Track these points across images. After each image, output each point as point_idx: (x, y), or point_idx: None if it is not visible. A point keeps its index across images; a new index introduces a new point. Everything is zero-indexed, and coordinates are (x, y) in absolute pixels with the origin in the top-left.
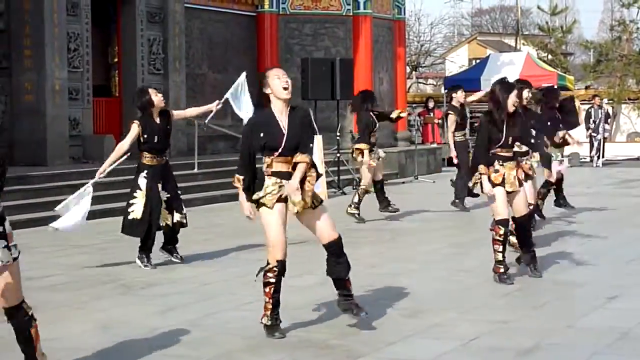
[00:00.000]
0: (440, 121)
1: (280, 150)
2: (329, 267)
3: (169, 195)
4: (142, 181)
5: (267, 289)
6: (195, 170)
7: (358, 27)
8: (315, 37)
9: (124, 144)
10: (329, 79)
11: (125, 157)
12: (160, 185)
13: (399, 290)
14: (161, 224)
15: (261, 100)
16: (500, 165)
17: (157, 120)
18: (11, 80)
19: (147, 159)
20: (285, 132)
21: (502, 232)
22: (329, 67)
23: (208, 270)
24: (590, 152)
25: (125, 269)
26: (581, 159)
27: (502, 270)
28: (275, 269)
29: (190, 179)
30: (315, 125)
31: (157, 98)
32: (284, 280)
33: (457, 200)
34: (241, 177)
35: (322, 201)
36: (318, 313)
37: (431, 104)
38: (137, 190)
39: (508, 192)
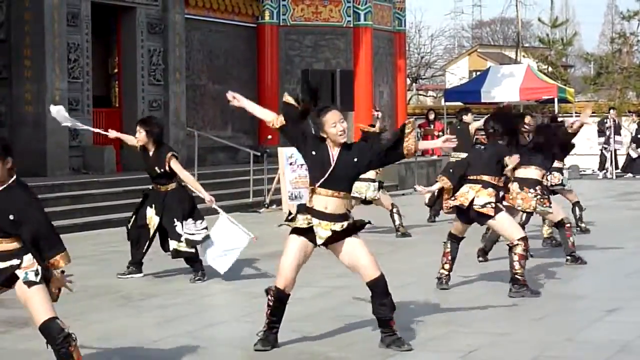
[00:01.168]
0: (440, 133)
1: (322, 181)
2: (373, 306)
3: (160, 223)
4: (141, 199)
5: (266, 309)
6: None
7: (358, 39)
8: (316, 49)
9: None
10: (329, 91)
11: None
12: (152, 210)
13: (397, 302)
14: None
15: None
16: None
17: (151, 153)
18: (11, 90)
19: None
20: (333, 163)
21: (527, 246)
22: (329, 79)
23: (207, 282)
24: (604, 165)
25: (124, 281)
26: (581, 171)
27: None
28: (272, 293)
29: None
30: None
31: (139, 136)
32: None
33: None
34: None
35: (361, 225)
36: (317, 325)
37: (432, 116)
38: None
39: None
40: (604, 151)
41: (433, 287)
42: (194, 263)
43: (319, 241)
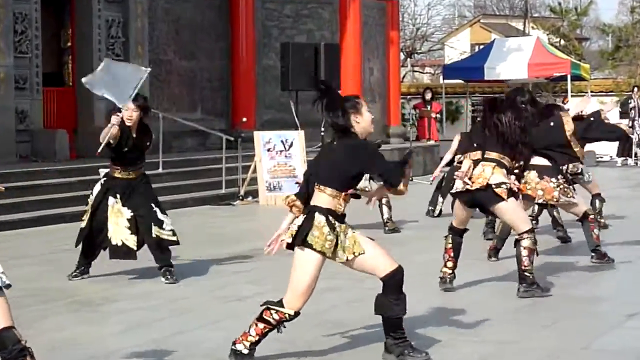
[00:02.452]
0: (438, 115)
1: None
2: (383, 303)
3: (133, 214)
4: (97, 187)
5: (261, 325)
6: (160, 170)
7: (345, 8)
8: (297, 20)
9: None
10: (313, 67)
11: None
12: (116, 201)
13: None
14: (115, 243)
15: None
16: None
17: (134, 133)
18: None
19: (112, 169)
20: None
21: (535, 239)
22: (312, 53)
23: (175, 284)
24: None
25: (81, 283)
26: (597, 157)
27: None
28: (287, 317)
29: (154, 180)
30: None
31: (134, 116)
32: (259, 296)
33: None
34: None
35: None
36: (301, 332)
37: (429, 96)
38: (90, 196)
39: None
40: (630, 135)
41: (432, 289)
42: (167, 264)
43: (341, 257)
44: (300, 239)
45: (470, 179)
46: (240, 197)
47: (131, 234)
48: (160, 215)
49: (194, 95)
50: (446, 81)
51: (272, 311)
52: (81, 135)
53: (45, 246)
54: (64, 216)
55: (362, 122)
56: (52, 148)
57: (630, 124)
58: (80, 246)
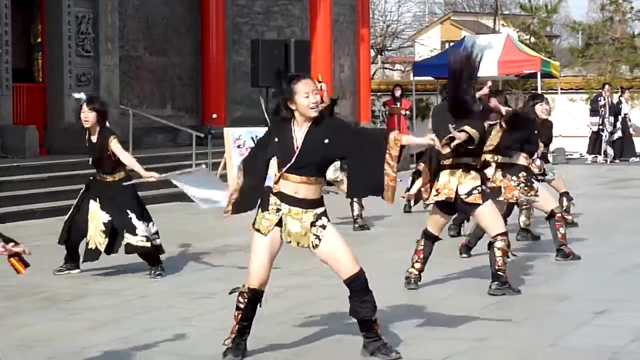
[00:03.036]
0: (408, 112)
1: (288, 167)
2: (351, 306)
3: (110, 218)
4: (81, 192)
5: (236, 313)
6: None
7: (316, 5)
8: (267, 16)
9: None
10: (283, 64)
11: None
12: (96, 204)
13: None
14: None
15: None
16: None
17: (94, 138)
18: None
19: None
20: (297, 147)
21: (509, 242)
22: (282, 50)
23: (144, 280)
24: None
25: (49, 279)
26: (567, 154)
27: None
28: (245, 295)
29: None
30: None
31: (89, 117)
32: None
33: None
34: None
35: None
36: (270, 329)
37: (398, 92)
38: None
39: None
40: (601, 133)
41: (400, 287)
42: (152, 258)
43: (285, 238)
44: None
45: (437, 190)
46: None
47: (105, 237)
48: (135, 221)
49: (164, 92)
50: (416, 78)
51: (236, 294)
52: (51, 131)
53: None
54: (34, 212)
55: (298, 108)
56: (22, 144)
57: (600, 122)
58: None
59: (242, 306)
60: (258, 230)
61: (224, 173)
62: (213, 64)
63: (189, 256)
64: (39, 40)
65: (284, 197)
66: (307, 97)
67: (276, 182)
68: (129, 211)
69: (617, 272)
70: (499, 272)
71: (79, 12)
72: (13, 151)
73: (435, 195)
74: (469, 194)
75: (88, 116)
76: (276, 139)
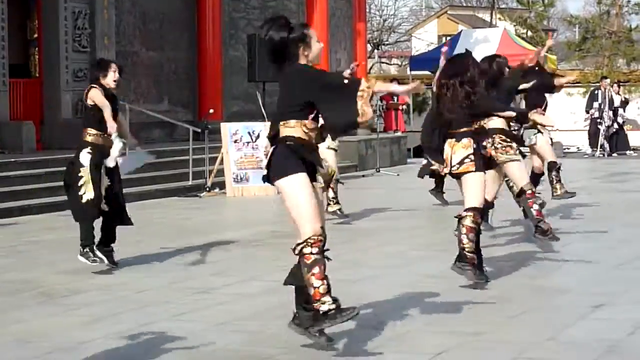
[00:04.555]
0: (404, 106)
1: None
2: (295, 274)
3: (109, 183)
4: (85, 157)
5: (315, 270)
6: None
7: (312, 0)
8: (263, 11)
9: (105, 106)
10: None
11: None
12: (103, 168)
13: (357, 298)
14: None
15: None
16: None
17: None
18: None
19: (93, 136)
20: None
21: (479, 220)
22: None
23: (141, 275)
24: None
25: (46, 275)
26: (565, 148)
27: (476, 261)
28: (321, 238)
29: None
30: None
31: (111, 77)
32: (226, 288)
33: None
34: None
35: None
36: (265, 324)
37: None
38: (81, 168)
39: None
40: (599, 127)
41: (395, 280)
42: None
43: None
44: (275, 173)
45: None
46: (207, 189)
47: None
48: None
49: (161, 87)
50: (413, 72)
51: (305, 248)
52: (48, 126)
53: (12, 238)
54: (31, 208)
55: (310, 55)
56: (19, 140)
57: (599, 115)
58: (89, 220)
59: (319, 256)
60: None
61: (221, 168)
62: (209, 59)
63: (185, 251)
64: (36, 35)
65: (307, 145)
66: (318, 42)
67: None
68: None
69: (615, 265)
70: (463, 252)
71: (75, 7)
72: (10, 147)
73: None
74: (461, 163)
75: (116, 77)
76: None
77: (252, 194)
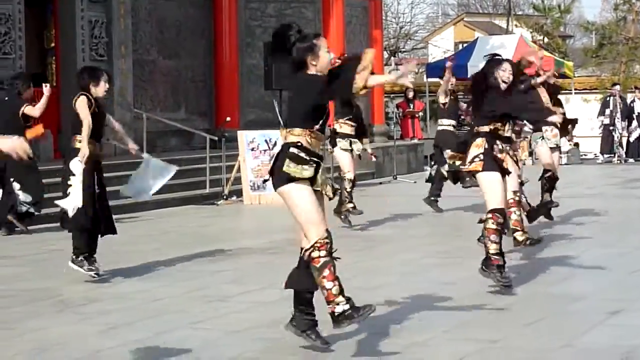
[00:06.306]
0: (421, 113)
1: (321, 123)
2: (297, 276)
3: (99, 191)
4: (76, 165)
5: (325, 272)
6: None
7: (328, 7)
8: (280, 19)
9: (86, 120)
10: None
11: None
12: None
13: (374, 304)
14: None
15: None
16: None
17: (101, 107)
18: None
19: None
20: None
21: (500, 220)
22: None
23: (158, 284)
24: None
25: (63, 283)
26: (582, 155)
27: (500, 262)
28: (327, 240)
29: None
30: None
31: (106, 87)
32: (243, 296)
33: (432, 199)
34: None
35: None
36: (282, 332)
37: (411, 94)
38: (71, 176)
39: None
40: (612, 133)
41: (411, 288)
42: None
43: (329, 193)
44: (278, 181)
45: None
46: (224, 197)
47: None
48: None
49: (178, 95)
50: (430, 79)
51: (313, 252)
52: (65, 135)
53: (28, 247)
54: (50, 217)
55: (319, 64)
56: (36, 148)
57: (609, 122)
58: (81, 228)
59: (327, 258)
60: (294, 180)
61: (238, 176)
62: (226, 67)
63: (202, 259)
64: (53, 44)
65: (309, 152)
66: (328, 52)
67: (306, 140)
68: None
69: (631, 272)
70: (488, 254)
71: (92, 16)
72: (29, 154)
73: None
74: (472, 161)
75: (104, 86)
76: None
77: (270, 202)
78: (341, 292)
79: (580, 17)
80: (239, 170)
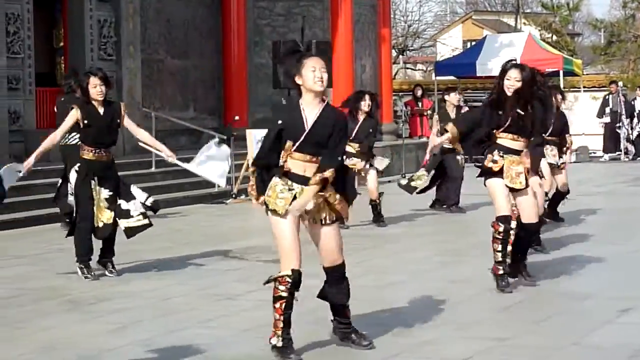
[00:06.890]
0: (430, 112)
1: (297, 145)
2: (329, 293)
3: (111, 193)
4: (72, 176)
5: (277, 304)
6: (153, 169)
7: (337, 6)
8: (288, 18)
9: (57, 134)
10: None
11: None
12: (94, 182)
13: (383, 304)
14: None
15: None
16: (500, 156)
17: (101, 111)
18: None
19: (84, 152)
20: (307, 126)
21: (501, 229)
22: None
23: (167, 282)
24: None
25: (72, 282)
26: (590, 153)
27: (500, 272)
28: (288, 279)
29: (147, 179)
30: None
31: (94, 90)
32: (251, 295)
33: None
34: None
35: (337, 219)
36: (294, 330)
37: (419, 92)
38: (68, 184)
39: (512, 190)
40: (618, 131)
41: (420, 286)
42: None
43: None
44: (266, 208)
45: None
46: (233, 196)
47: (110, 211)
48: (134, 191)
49: (187, 94)
50: (438, 78)
51: (275, 283)
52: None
53: (38, 246)
54: (58, 216)
55: (304, 82)
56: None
57: (611, 120)
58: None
59: (285, 294)
60: (275, 212)
61: (247, 175)
62: (235, 66)
63: (211, 258)
64: (62, 44)
65: (293, 177)
66: (313, 71)
67: (284, 162)
68: (132, 189)
69: None
70: (497, 259)
71: (100, 16)
72: None
73: None
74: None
75: (103, 89)
76: (280, 122)
77: None
78: (283, 329)
79: (589, 14)
80: (247, 169)
